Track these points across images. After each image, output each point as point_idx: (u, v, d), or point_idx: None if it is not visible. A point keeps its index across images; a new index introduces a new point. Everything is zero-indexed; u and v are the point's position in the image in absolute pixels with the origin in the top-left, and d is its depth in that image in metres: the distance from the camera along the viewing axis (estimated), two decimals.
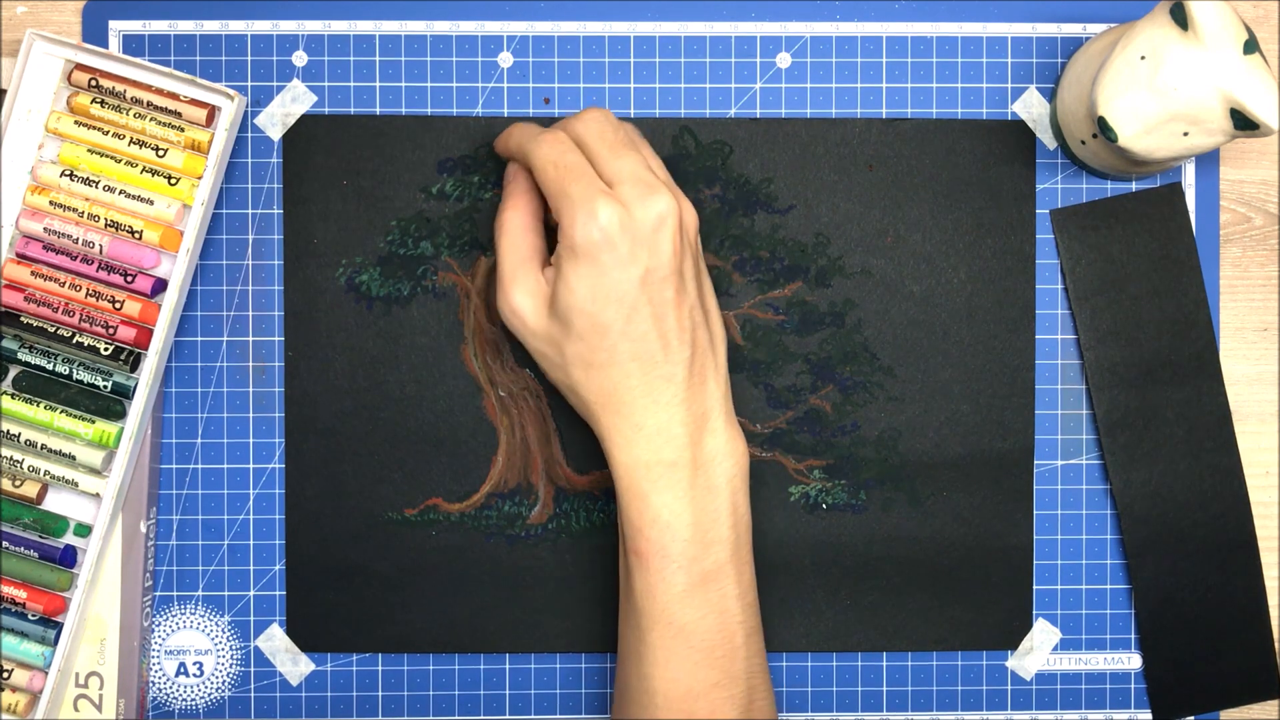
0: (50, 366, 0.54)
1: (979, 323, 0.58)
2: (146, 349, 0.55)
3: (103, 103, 0.55)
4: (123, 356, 0.54)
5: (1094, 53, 0.54)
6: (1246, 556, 0.58)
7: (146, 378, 0.55)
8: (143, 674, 0.58)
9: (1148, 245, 0.58)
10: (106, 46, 0.57)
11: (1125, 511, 0.58)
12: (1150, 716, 0.59)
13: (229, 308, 0.58)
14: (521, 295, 0.51)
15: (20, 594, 0.54)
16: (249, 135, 0.58)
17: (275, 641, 0.58)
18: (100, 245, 0.54)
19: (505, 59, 0.58)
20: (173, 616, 0.58)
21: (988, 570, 0.58)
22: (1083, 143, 0.56)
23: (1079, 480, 0.59)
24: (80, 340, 0.54)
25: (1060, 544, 0.59)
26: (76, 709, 0.56)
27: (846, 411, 0.58)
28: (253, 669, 0.58)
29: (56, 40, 0.55)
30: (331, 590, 0.58)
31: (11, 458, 0.54)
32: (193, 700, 0.58)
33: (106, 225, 0.54)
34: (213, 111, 0.55)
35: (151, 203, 0.54)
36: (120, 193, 0.54)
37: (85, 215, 0.55)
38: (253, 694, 0.58)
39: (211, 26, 0.58)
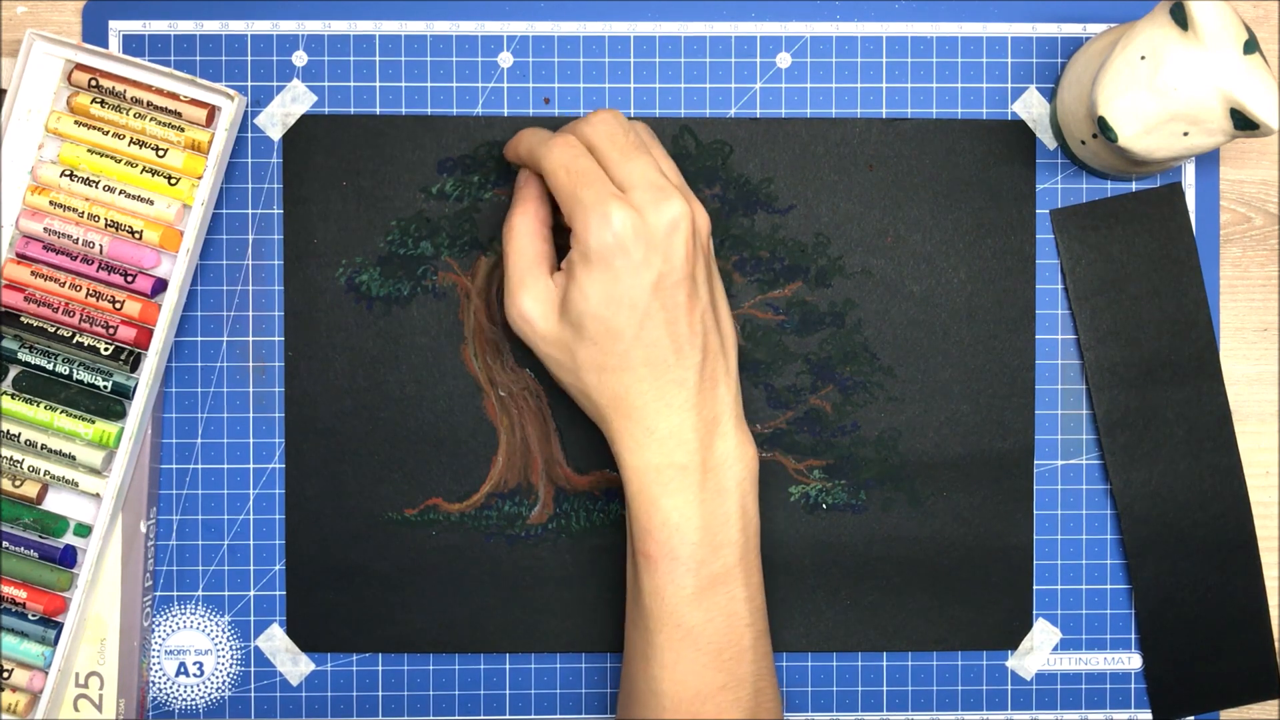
0: (50, 366, 0.54)
1: (979, 323, 0.58)
2: (146, 349, 0.55)
3: (103, 103, 0.55)
4: (123, 356, 0.54)
5: (1094, 53, 0.54)
6: (1246, 556, 0.58)
7: (146, 378, 0.55)
8: (143, 674, 0.58)
9: (1148, 245, 0.58)
10: (106, 46, 0.57)
11: (1125, 511, 0.58)
12: (1150, 716, 0.59)
13: (229, 308, 0.58)
14: (530, 300, 0.51)
15: (20, 594, 0.54)
16: (249, 135, 0.58)
17: (275, 641, 0.58)
18: (100, 245, 0.54)
19: (505, 59, 0.58)
20: (173, 616, 0.58)
21: (988, 570, 0.58)
22: (1083, 143, 0.56)
23: (1079, 480, 0.59)
24: (80, 340, 0.54)
25: (1060, 544, 0.59)
26: (76, 709, 0.56)
27: (846, 411, 0.58)
28: (253, 669, 0.58)
29: (56, 40, 0.55)
30: (331, 590, 0.58)
31: (11, 458, 0.54)
32: (193, 700, 0.58)
33: (106, 225, 0.54)
34: (213, 111, 0.55)
35: (151, 203, 0.54)
36: (120, 193, 0.54)
37: (85, 215, 0.55)
38: (253, 694, 0.58)
39: (211, 26, 0.58)
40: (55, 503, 0.55)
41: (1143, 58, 0.50)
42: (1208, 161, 0.59)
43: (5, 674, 0.55)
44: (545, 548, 0.58)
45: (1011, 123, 0.58)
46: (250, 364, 0.58)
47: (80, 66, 0.55)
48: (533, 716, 0.59)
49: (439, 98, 0.58)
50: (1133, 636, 0.59)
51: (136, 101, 0.55)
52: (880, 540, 0.58)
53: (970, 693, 0.59)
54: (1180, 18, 0.49)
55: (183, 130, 0.55)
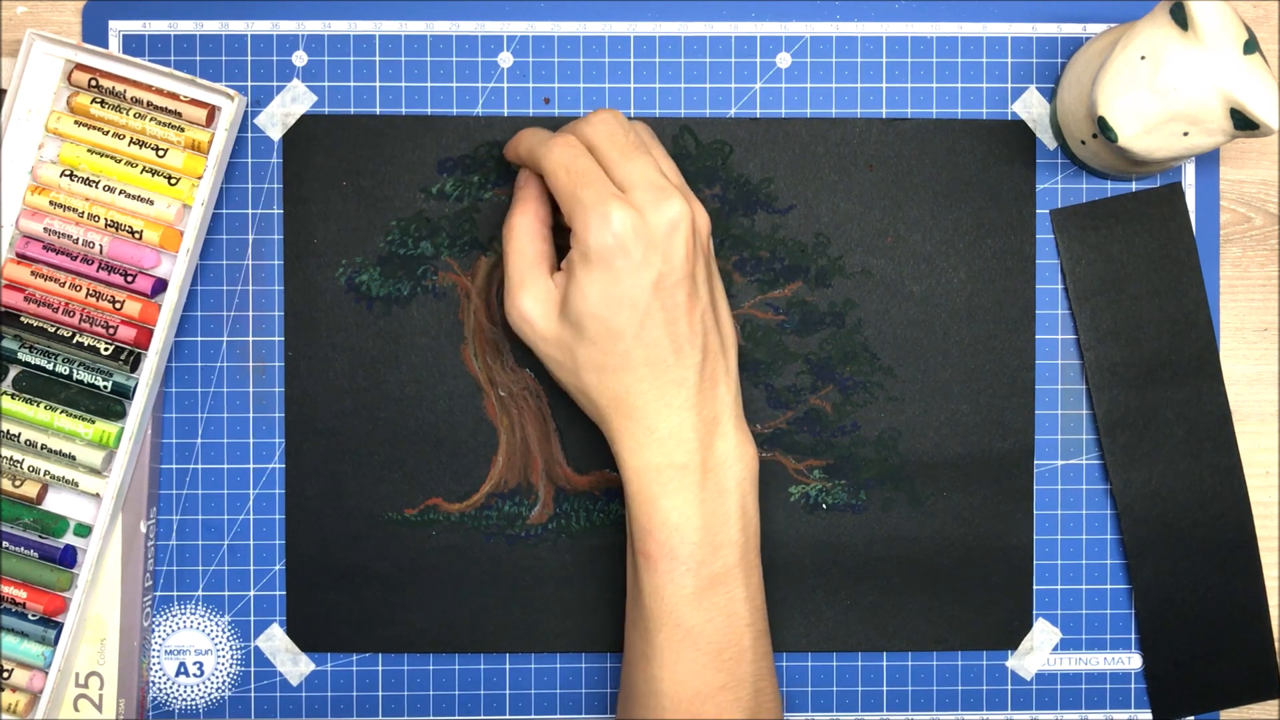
0: (50, 366, 0.54)
1: (979, 323, 0.58)
2: (146, 349, 0.55)
3: (103, 103, 0.55)
4: (123, 356, 0.54)
5: (1094, 53, 0.54)
6: (1246, 556, 0.58)
7: (146, 378, 0.55)
8: (143, 674, 0.58)
9: (1148, 245, 0.58)
10: (106, 46, 0.57)
11: (1125, 511, 0.58)
12: (1150, 716, 0.59)
13: (229, 308, 0.58)
14: (530, 300, 0.51)
15: (20, 594, 0.54)
16: (249, 135, 0.58)
17: (275, 641, 0.58)
18: (100, 245, 0.54)
19: (505, 59, 0.58)
20: (173, 616, 0.58)
21: (988, 570, 0.58)
22: (1083, 143, 0.56)
23: (1079, 480, 0.59)
24: (80, 340, 0.54)
25: (1060, 544, 0.59)
26: (76, 709, 0.56)
27: (846, 411, 0.58)
28: (253, 669, 0.58)
29: (56, 40, 0.55)
30: (331, 590, 0.58)
31: (11, 458, 0.54)
32: (193, 700, 0.58)
33: (106, 225, 0.54)
34: (213, 111, 0.55)
35: (151, 203, 0.54)
36: (120, 193, 0.54)
37: (85, 215, 0.55)
38: (253, 694, 0.58)
39: (211, 26, 0.58)
40: (55, 503, 0.55)
41: (1143, 58, 0.50)
42: (1208, 161, 0.59)
43: (5, 674, 0.55)
44: (545, 548, 0.58)
45: (1011, 123, 0.58)
46: (250, 364, 0.58)
47: (80, 66, 0.55)
48: (533, 716, 0.59)
49: (439, 98, 0.58)
50: (1133, 636, 0.59)
51: (136, 101, 0.55)
52: (880, 540, 0.58)
53: (970, 693, 0.59)
54: (1180, 18, 0.49)
55: (183, 130, 0.55)
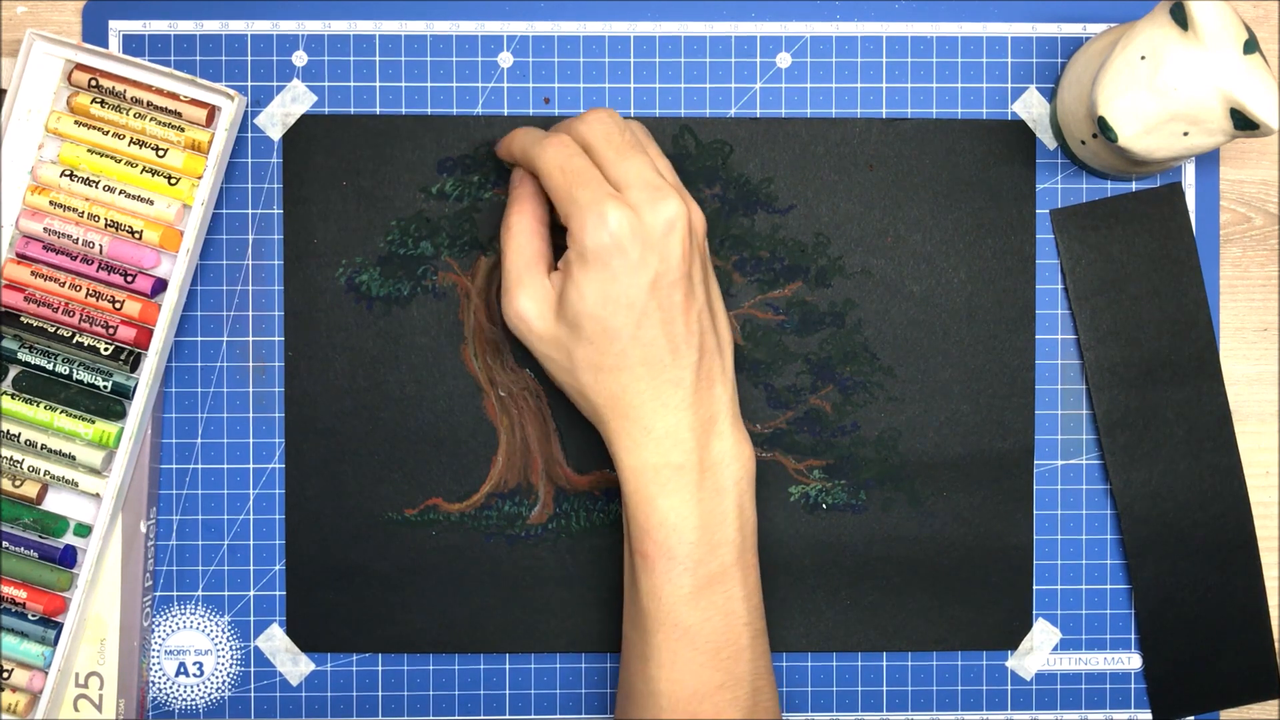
0: (50, 366, 0.54)
1: (979, 323, 0.58)
2: (146, 349, 0.55)
3: (103, 103, 0.55)
4: (123, 356, 0.54)
5: (1094, 53, 0.54)
6: (1246, 556, 0.58)
7: (146, 378, 0.55)
8: (143, 674, 0.58)
9: (1148, 245, 0.58)
10: (106, 46, 0.57)
11: (1125, 511, 0.58)
12: (1150, 716, 0.59)
13: (229, 308, 0.58)
14: (527, 300, 0.51)
15: (20, 594, 0.54)
16: (249, 135, 0.58)
17: (275, 641, 0.58)
18: (100, 245, 0.54)
19: (505, 59, 0.58)
20: (173, 616, 0.58)
21: (988, 570, 0.58)
22: (1083, 143, 0.56)
23: (1079, 480, 0.59)
24: (80, 340, 0.54)
25: (1060, 544, 0.59)
26: (76, 709, 0.56)
27: (846, 411, 0.58)
28: (253, 669, 0.58)
29: (56, 40, 0.55)
30: (331, 590, 0.58)
31: (11, 458, 0.54)
32: (193, 700, 0.58)
33: (106, 225, 0.54)
34: (213, 111, 0.55)
35: (151, 203, 0.54)
36: (120, 193, 0.54)
37: (85, 215, 0.55)
38: (253, 694, 0.58)
39: (211, 26, 0.58)
40: (55, 503, 0.55)
41: (1143, 58, 0.50)
42: (1208, 161, 0.59)
43: (5, 674, 0.55)
44: (545, 548, 0.58)
45: (1011, 123, 0.58)
46: (250, 364, 0.58)
47: (80, 66, 0.55)
48: (533, 716, 0.59)
49: (439, 98, 0.58)
50: (1133, 636, 0.59)
51: (136, 101, 0.55)
52: (880, 540, 0.58)
53: (970, 693, 0.59)
54: (1180, 18, 0.49)
55: (183, 130, 0.55)
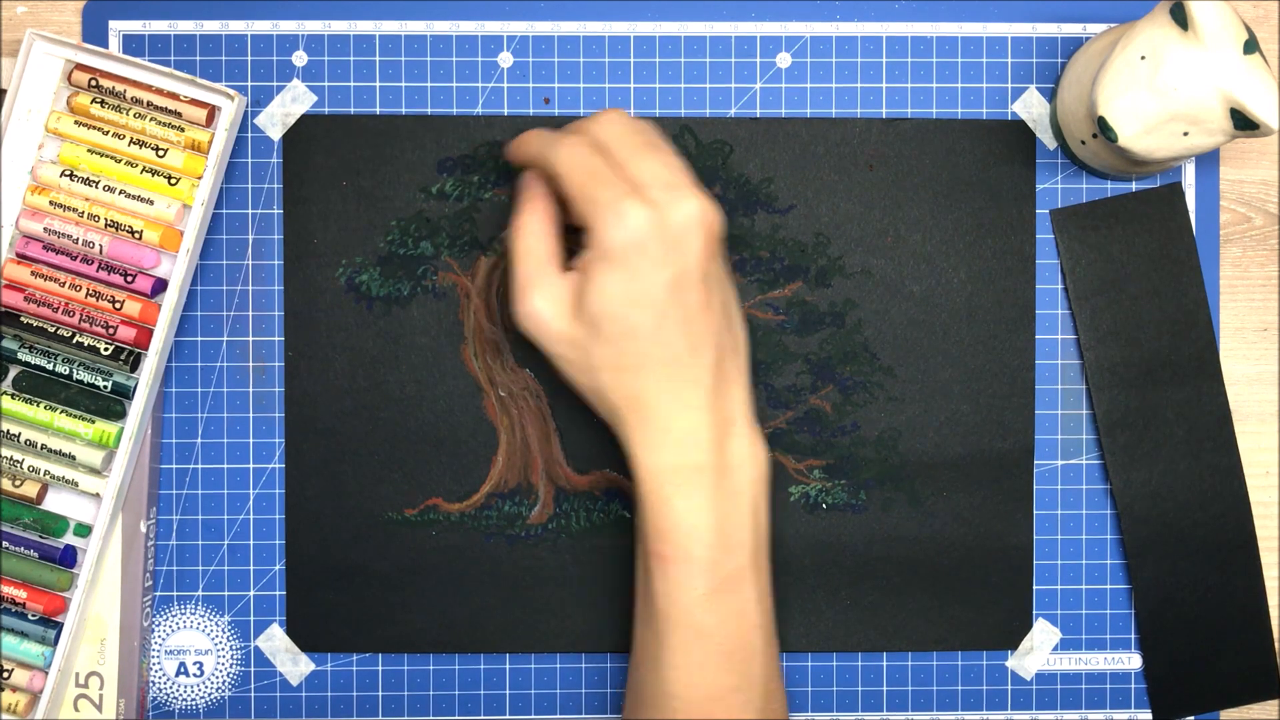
0: (50, 366, 0.54)
1: (979, 323, 0.58)
2: (146, 349, 0.55)
3: (103, 103, 0.55)
4: (123, 356, 0.54)
5: (1094, 53, 0.54)
6: (1246, 556, 0.58)
7: (146, 378, 0.55)
8: (143, 674, 0.58)
9: (1148, 245, 0.58)
10: (106, 46, 0.57)
11: (1125, 511, 0.58)
12: (1150, 716, 0.59)
13: (229, 308, 0.58)
14: (541, 299, 0.50)
15: (20, 594, 0.54)
16: (249, 135, 0.58)
17: (275, 641, 0.58)
18: (100, 245, 0.54)
19: (505, 59, 0.58)
20: (173, 616, 0.58)
21: (988, 570, 0.58)
22: (1083, 143, 0.56)
23: (1079, 480, 0.59)
24: (80, 340, 0.54)
25: (1060, 544, 0.59)
26: (76, 709, 0.56)
27: (846, 411, 0.58)
28: (253, 669, 0.58)
29: (56, 40, 0.55)
30: (331, 590, 0.58)
31: (11, 458, 0.54)
32: (193, 700, 0.58)
33: (106, 225, 0.54)
34: (213, 111, 0.55)
35: (151, 203, 0.54)
36: (120, 193, 0.54)
37: (85, 215, 0.55)
38: (253, 694, 0.58)
39: (211, 26, 0.58)
40: (55, 503, 0.55)
41: (1143, 58, 0.50)
42: (1208, 161, 0.59)
43: (5, 674, 0.55)
44: (545, 548, 0.58)
45: (1011, 123, 0.58)
46: (250, 364, 0.58)
47: (80, 66, 0.55)
48: (533, 716, 0.59)
49: (439, 98, 0.58)
50: (1133, 636, 0.59)
51: (136, 101, 0.55)
52: (880, 540, 0.58)
53: (970, 693, 0.59)
54: (1180, 18, 0.49)
55: (183, 130, 0.55)
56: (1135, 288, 0.58)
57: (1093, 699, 0.59)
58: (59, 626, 0.55)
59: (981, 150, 0.58)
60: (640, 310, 0.48)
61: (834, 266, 0.58)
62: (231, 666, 0.58)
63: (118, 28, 0.58)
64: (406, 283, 0.58)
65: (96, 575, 0.56)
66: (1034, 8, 0.58)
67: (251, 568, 0.58)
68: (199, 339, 0.58)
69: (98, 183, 0.54)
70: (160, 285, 0.55)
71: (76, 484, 0.54)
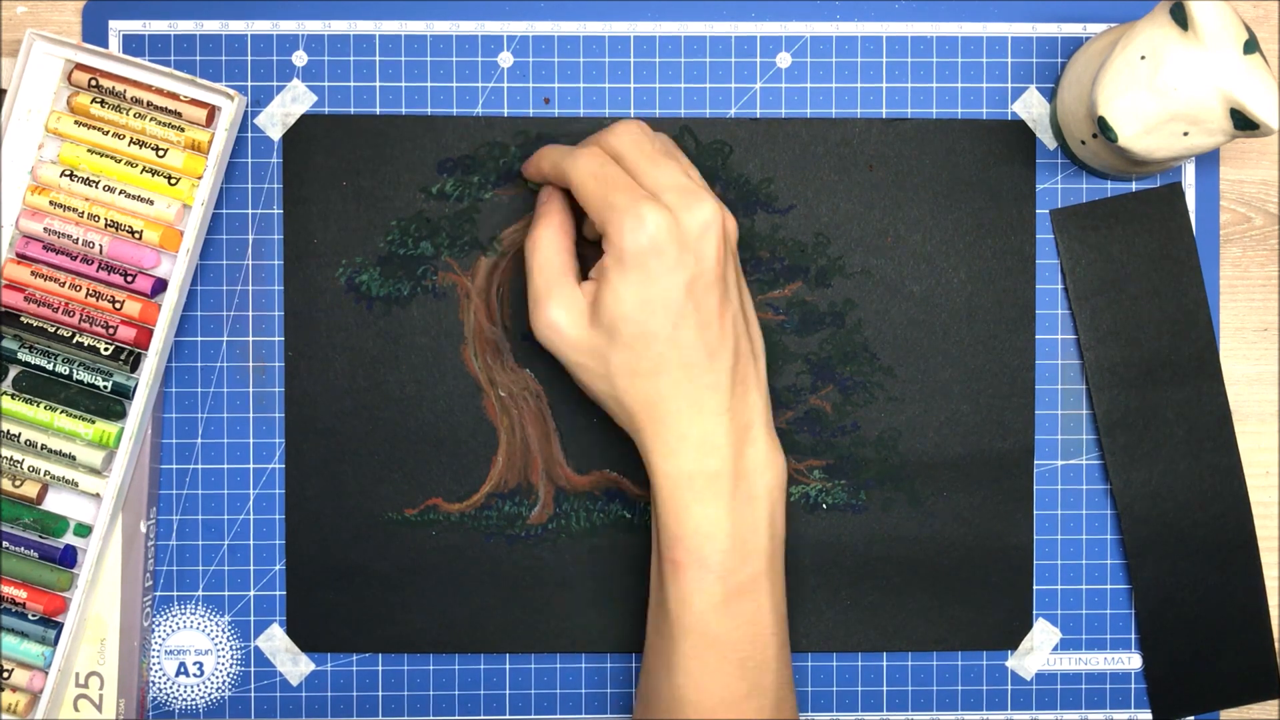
0: (50, 366, 0.54)
1: (979, 323, 0.58)
2: (146, 349, 0.55)
3: (103, 103, 0.55)
4: (123, 356, 0.54)
5: (1094, 53, 0.54)
6: (1246, 556, 0.58)
7: (146, 378, 0.55)
8: (143, 674, 0.58)
9: (1148, 245, 0.58)
10: (106, 46, 0.57)
11: (1125, 511, 0.58)
12: (1150, 716, 0.59)
13: (229, 308, 0.58)
14: (559, 309, 0.50)
15: (20, 594, 0.54)
16: (249, 135, 0.58)
17: (275, 641, 0.58)
18: (100, 245, 0.54)
19: (505, 59, 0.58)
20: (173, 616, 0.58)
21: (988, 570, 0.58)
22: (1083, 143, 0.56)
23: (1079, 480, 0.59)
24: (80, 340, 0.54)
25: (1060, 544, 0.59)
26: (76, 709, 0.56)
27: (846, 411, 0.58)
28: (253, 669, 0.58)
29: (56, 40, 0.55)
30: (331, 590, 0.58)
31: (11, 458, 0.54)
32: (193, 700, 0.58)
33: (106, 225, 0.54)
34: (213, 111, 0.55)
35: (151, 203, 0.54)
36: (120, 193, 0.54)
37: (85, 215, 0.55)
38: (253, 694, 0.58)
39: (211, 26, 0.58)
40: (55, 503, 0.55)
41: (1143, 58, 0.50)
42: (1208, 161, 0.59)
43: (5, 674, 0.55)
44: (545, 548, 0.58)
45: (1011, 123, 0.58)
46: (250, 364, 0.58)
47: (80, 66, 0.55)
48: (533, 716, 0.59)
49: (439, 98, 0.58)
50: (1133, 636, 0.59)
51: (136, 101, 0.55)
52: (880, 540, 0.58)
53: (970, 693, 0.59)
54: (1180, 18, 0.49)
55: (183, 130, 0.55)
56: (1135, 288, 0.58)
57: (1093, 699, 0.59)
58: (59, 626, 0.55)
59: (981, 150, 0.58)
60: (657, 314, 0.48)
61: (834, 266, 0.58)
62: (231, 666, 0.58)
63: (118, 28, 0.58)
64: (406, 283, 0.58)
65: (96, 575, 0.56)
66: (1034, 8, 0.58)
67: (251, 568, 0.58)
68: (199, 339, 0.58)
69: (98, 183, 0.54)
70: (160, 285, 0.55)
71: (76, 484, 0.54)
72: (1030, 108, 0.58)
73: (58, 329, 0.54)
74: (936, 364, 0.58)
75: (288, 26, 0.58)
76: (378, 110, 0.58)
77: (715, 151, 0.58)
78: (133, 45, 0.58)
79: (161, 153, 0.55)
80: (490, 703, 0.59)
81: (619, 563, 0.58)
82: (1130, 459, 0.58)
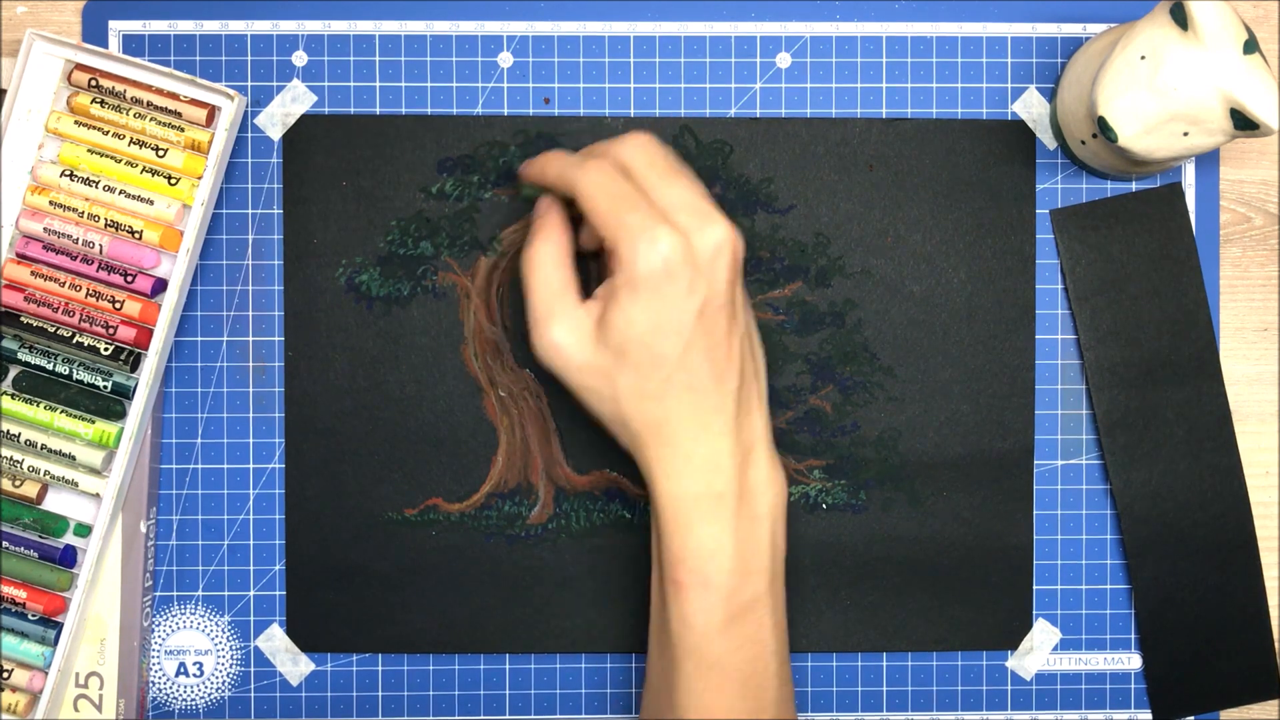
0: (50, 366, 0.54)
1: (979, 323, 0.58)
2: (146, 349, 0.55)
3: (103, 103, 0.55)
4: (123, 356, 0.54)
5: (1094, 53, 0.54)
6: (1246, 556, 0.58)
7: (146, 378, 0.55)
8: (143, 674, 0.58)
9: (1148, 245, 0.58)
10: (106, 46, 0.57)
11: (1125, 511, 0.58)
12: (1150, 716, 0.59)
13: (229, 308, 0.58)
14: (562, 330, 0.50)
15: (20, 594, 0.54)
16: (249, 135, 0.58)
17: (275, 641, 0.58)
18: (100, 245, 0.54)
19: (505, 59, 0.58)
20: (173, 616, 0.58)
21: (988, 570, 0.58)
22: (1083, 143, 0.56)
23: (1079, 480, 0.59)
24: (80, 340, 0.54)
25: (1060, 544, 0.59)
26: (76, 709, 0.56)
27: (846, 411, 0.58)
28: (253, 669, 0.58)
29: (56, 40, 0.55)
30: (331, 590, 0.58)
31: (11, 458, 0.54)
32: (193, 700, 0.58)
33: (106, 225, 0.54)
34: (213, 111, 0.55)
35: (151, 203, 0.54)
36: (120, 193, 0.54)
37: (85, 215, 0.55)
38: (253, 694, 0.58)
39: (211, 26, 0.58)
40: (55, 503, 0.55)
41: (1143, 58, 0.50)
42: (1208, 161, 0.59)
43: (5, 674, 0.55)
44: (545, 548, 0.58)
45: (1011, 123, 0.58)
46: (250, 364, 0.58)
47: (80, 66, 0.55)
48: (533, 716, 0.59)
49: (439, 98, 0.58)
50: (1133, 636, 0.59)
51: (136, 101, 0.55)
52: (880, 540, 0.58)
53: (970, 693, 0.59)
54: (1180, 18, 0.49)
55: (183, 130, 0.55)
56: (1135, 288, 0.58)
57: (1093, 699, 0.59)
58: (59, 626, 0.55)
59: (981, 150, 0.58)
60: (668, 338, 0.48)
61: (834, 266, 0.58)
62: (231, 666, 0.58)
63: (118, 28, 0.58)
64: (406, 283, 0.58)
65: (96, 575, 0.56)
66: (1034, 8, 0.58)
67: (251, 568, 0.58)
68: (199, 339, 0.58)
69: (98, 183, 0.54)
70: (160, 285, 0.55)
71: (76, 484, 0.54)
72: (1030, 108, 0.58)
73: (58, 329, 0.54)
74: (936, 364, 0.58)
75: (288, 26, 0.58)
76: (378, 110, 0.58)
77: (715, 151, 0.58)
78: (133, 45, 0.58)
79: (161, 153, 0.55)
80: (490, 703, 0.59)
81: (619, 563, 0.58)
82: (1130, 459, 0.58)
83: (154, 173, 0.55)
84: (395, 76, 0.58)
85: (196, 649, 0.58)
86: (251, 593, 0.58)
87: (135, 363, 0.55)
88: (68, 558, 0.55)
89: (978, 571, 0.58)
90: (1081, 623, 0.59)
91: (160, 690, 0.58)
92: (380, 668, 0.58)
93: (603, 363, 0.49)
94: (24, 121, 0.55)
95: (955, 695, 0.59)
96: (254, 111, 0.58)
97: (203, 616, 0.58)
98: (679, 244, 0.48)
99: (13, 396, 0.55)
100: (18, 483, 0.55)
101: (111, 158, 0.55)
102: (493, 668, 0.59)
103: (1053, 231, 0.58)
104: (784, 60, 0.58)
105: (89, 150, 0.55)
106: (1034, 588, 0.59)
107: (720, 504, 0.49)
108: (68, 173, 0.55)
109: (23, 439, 0.54)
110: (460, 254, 0.58)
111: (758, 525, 0.50)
